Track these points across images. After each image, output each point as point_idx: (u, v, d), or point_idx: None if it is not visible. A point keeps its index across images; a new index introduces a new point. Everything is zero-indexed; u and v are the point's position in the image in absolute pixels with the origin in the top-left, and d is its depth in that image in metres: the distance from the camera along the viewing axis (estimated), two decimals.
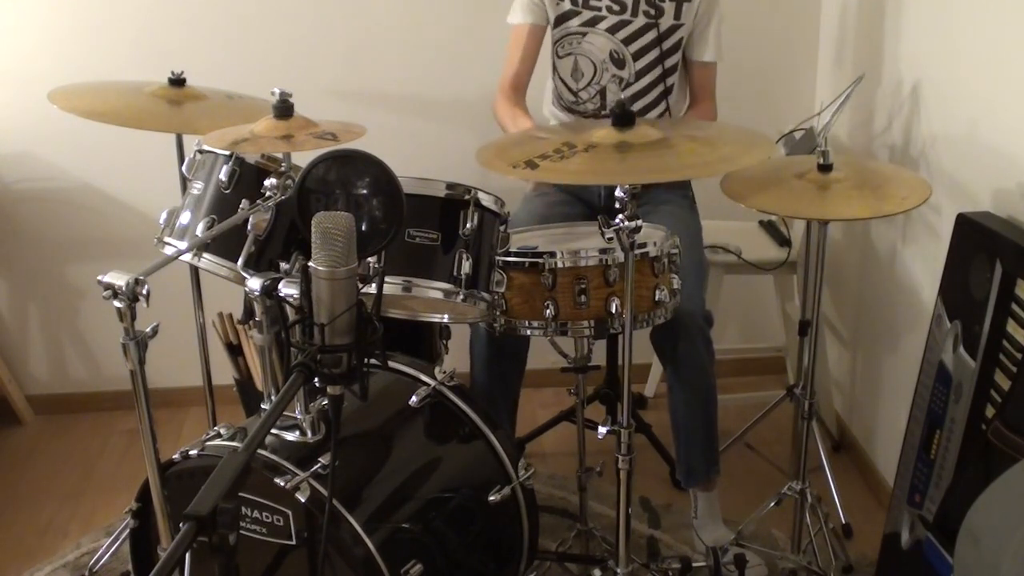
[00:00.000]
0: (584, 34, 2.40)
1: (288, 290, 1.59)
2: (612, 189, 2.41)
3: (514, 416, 2.44)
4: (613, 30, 2.37)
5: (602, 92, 2.42)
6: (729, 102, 2.87)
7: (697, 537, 2.38)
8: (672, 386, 2.30)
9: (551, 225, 2.27)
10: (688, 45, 2.42)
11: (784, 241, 2.77)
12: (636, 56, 2.37)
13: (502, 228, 1.88)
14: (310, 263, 1.36)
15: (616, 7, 2.36)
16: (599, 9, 2.37)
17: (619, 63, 2.38)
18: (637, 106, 2.41)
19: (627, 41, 2.37)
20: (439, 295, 1.79)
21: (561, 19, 2.41)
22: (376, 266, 1.57)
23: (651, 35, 2.35)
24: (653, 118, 2.42)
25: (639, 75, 2.39)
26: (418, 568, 1.63)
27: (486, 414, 1.92)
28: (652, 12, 2.34)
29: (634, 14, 2.35)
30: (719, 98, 2.53)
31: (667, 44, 2.37)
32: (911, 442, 2.10)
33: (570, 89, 2.45)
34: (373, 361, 1.62)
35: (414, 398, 1.87)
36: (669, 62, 2.39)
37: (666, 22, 2.35)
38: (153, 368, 1.49)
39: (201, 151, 1.99)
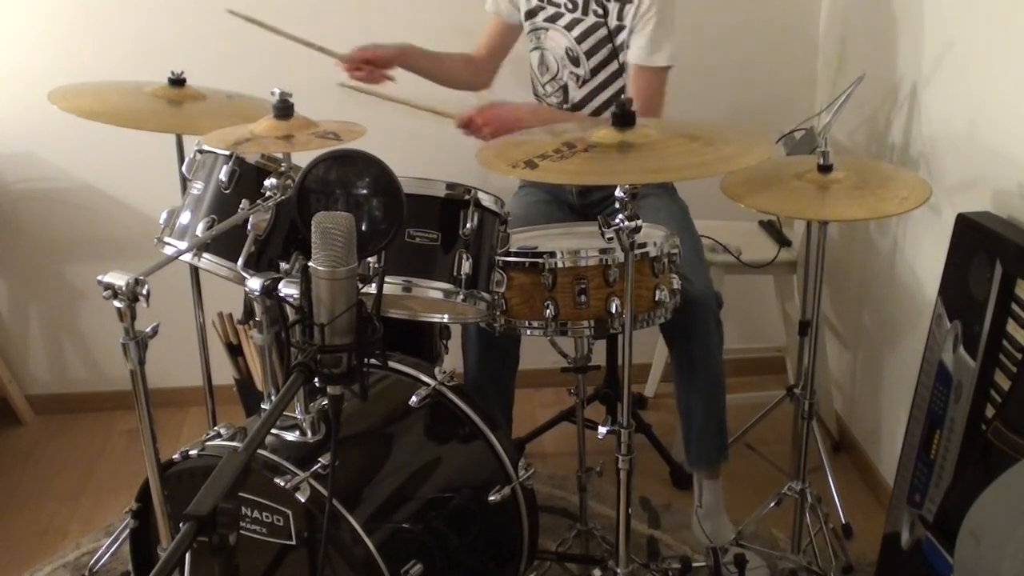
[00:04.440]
0: (547, 29, 2.43)
1: (288, 290, 1.59)
2: (584, 187, 2.44)
3: (509, 414, 2.45)
4: (569, 27, 2.39)
5: (564, 88, 2.44)
6: (729, 102, 2.88)
7: (699, 528, 2.37)
8: (681, 370, 2.30)
9: (550, 225, 2.28)
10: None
11: (784, 241, 2.77)
12: (589, 54, 2.38)
13: (502, 228, 1.88)
14: (310, 263, 1.36)
15: (571, 5, 2.38)
16: (559, 5, 2.40)
17: (574, 60, 2.40)
18: (596, 102, 2.42)
19: (580, 39, 2.38)
20: (439, 295, 1.79)
21: (530, 14, 2.46)
22: (376, 266, 1.57)
23: (602, 32, 2.35)
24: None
25: (594, 72, 2.40)
26: (418, 568, 1.63)
27: (486, 414, 1.92)
28: (599, 12, 2.35)
29: (584, 12, 2.36)
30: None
31: (618, 41, 2.37)
32: (911, 442, 2.10)
33: (537, 81, 2.50)
34: (373, 361, 1.62)
35: (414, 398, 1.87)
36: (623, 57, 2.39)
37: (612, 22, 2.35)
38: (153, 368, 1.49)
39: (201, 151, 1.99)
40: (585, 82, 2.41)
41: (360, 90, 2.38)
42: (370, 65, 2.41)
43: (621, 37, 2.36)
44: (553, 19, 2.41)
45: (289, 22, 2.43)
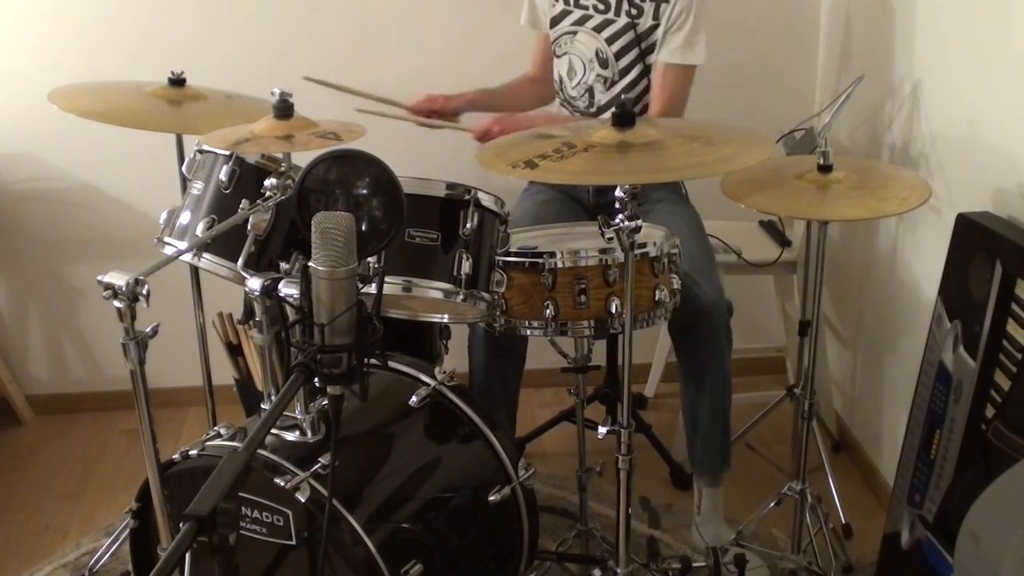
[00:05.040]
0: (575, 33, 2.43)
1: (288, 290, 1.59)
2: (601, 187, 2.45)
3: (514, 415, 2.45)
4: (598, 29, 2.39)
5: (590, 91, 2.44)
6: (729, 102, 2.88)
7: (698, 533, 2.38)
8: (689, 377, 2.30)
9: (550, 225, 2.28)
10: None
11: (784, 241, 2.77)
12: (618, 55, 2.39)
13: (502, 228, 1.88)
14: (310, 263, 1.36)
15: (601, 6, 2.38)
16: (587, 8, 2.40)
17: (603, 62, 2.40)
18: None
19: (610, 40, 2.38)
20: (439, 295, 1.79)
21: (556, 20, 2.47)
22: (376, 266, 1.57)
23: (631, 34, 2.36)
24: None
25: (622, 74, 2.41)
26: (418, 568, 1.63)
27: (486, 414, 1.92)
28: (633, 12, 2.35)
29: (617, 13, 2.37)
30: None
31: (645, 44, 2.37)
32: (911, 442, 2.10)
33: (565, 87, 2.50)
34: (373, 361, 1.62)
35: (414, 398, 1.87)
36: (649, 60, 2.39)
37: (645, 22, 2.35)
38: (153, 368, 1.49)
39: (201, 151, 1.99)
40: (613, 84, 2.41)
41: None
42: (437, 114, 2.50)
43: (652, 38, 2.36)
44: (581, 22, 2.41)
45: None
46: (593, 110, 2.45)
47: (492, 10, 2.78)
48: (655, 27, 2.35)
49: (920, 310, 2.32)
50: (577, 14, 2.41)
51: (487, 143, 2.29)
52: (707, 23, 2.36)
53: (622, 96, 2.40)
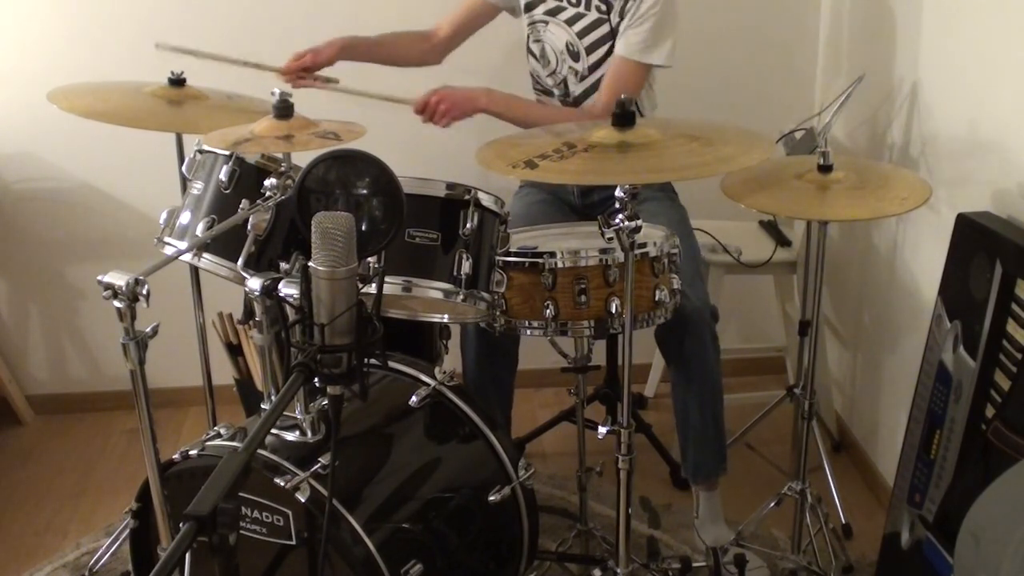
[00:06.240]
0: (546, 23, 2.43)
1: (288, 290, 1.59)
2: (586, 188, 2.45)
3: (509, 414, 2.44)
4: (570, 22, 2.39)
5: (564, 82, 2.44)
6: (729, 102, 2.88)
7: (698, 536, 2.38)
8: (677, 383, 2.29)
9: (548, 225, 2.28)
10: None
11: (784, 241, 2.77)
12: (589, 50, 2.38)
13: (502, 228, 1.88)
14: (310, 263, 1.36)
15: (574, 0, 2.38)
16: None
17: (574, 55, 2.39)
18: (592, 99, 2.41)
19: (581, 34, 2.38)
20: (439, 295, 1.79)
21: (529, 6, 2.46)
22: (376, 266, 1.57)
23: (603, 29, 2.35)
24: None
25: (592, 69, 2.40)
26: (418, 568, 1.63)
27: (486, 414, 1.92)
28: (603, 7, 2.34)
29: (587, 8, 2.36)
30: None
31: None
32: (911, 442, 2.10)
33: (541, 75, 2.49)
34: (373, 361, 1.62)
35: (414, 398, 1.87)
36: None
37: (615, 19, 2.34)
38: (153, 368, 1.49)
39: (201, 151, 1.99)
40: (584, 77, 2.41)
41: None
42: (310, 71, 2.39)
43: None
44: (554, 12, 2.40)
45: (231, 43, 2.37)
46: (570, 100, 2.45)
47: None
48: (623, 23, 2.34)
49: (920, 310, 2.32)
50: (551, 3, 2.41)
51: (441, 123, 2.25)
52: (676, 28, 2.33)
53: (582, 89, 2.41)
